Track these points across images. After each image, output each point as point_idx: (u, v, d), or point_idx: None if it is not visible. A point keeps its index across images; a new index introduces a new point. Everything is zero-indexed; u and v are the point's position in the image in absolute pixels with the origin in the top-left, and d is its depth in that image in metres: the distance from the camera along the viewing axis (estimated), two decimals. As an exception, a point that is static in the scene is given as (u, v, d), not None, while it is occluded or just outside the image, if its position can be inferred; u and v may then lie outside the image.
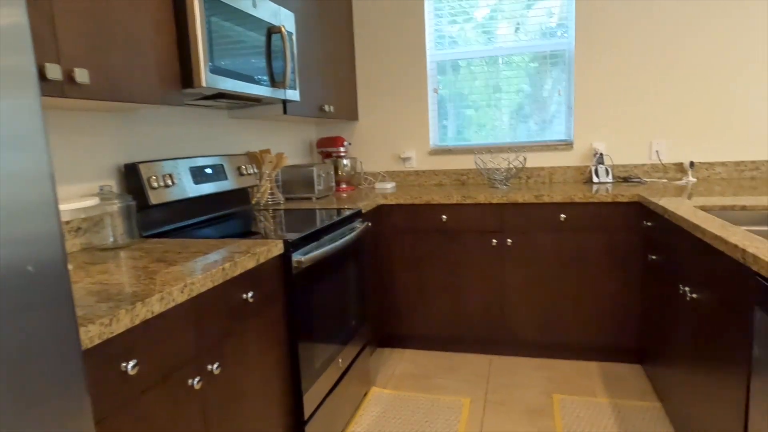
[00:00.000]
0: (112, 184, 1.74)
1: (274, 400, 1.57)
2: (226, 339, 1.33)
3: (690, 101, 2.81)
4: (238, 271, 1.36)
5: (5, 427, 0.67)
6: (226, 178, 2.17)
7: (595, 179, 2.87)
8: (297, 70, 2.26)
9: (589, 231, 2.46)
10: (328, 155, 3.10)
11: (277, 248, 1.56)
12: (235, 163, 2.27)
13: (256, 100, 2.14)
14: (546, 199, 2.46)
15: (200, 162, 2.04)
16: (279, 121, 2.91)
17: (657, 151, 2.88)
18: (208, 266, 1.28)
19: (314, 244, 1.80)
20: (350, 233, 2.04)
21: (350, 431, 2.07)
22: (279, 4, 2.19)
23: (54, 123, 1.52)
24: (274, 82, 2.04)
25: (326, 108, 2.73)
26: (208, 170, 2.07)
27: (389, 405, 2.26)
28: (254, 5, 1.89)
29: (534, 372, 2.51)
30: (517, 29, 3.04)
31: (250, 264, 1.41)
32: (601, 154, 2.90)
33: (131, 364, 0.99)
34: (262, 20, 1.95)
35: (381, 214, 2.70)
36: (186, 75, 1.61)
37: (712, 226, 1.48)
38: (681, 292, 1.74)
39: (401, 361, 2.70)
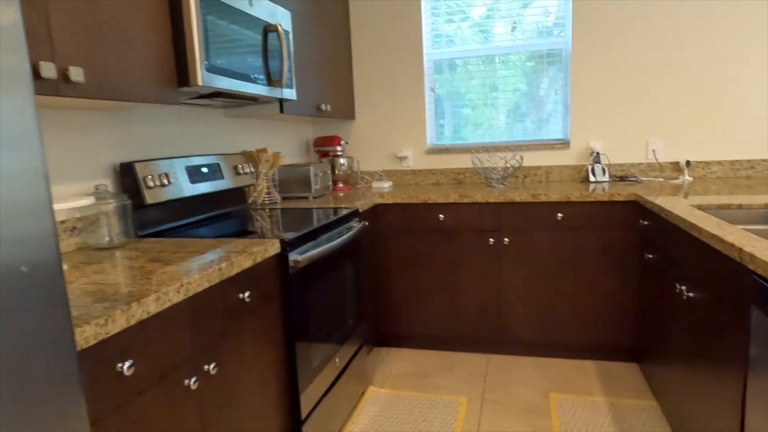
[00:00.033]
0: (108, 183, 1.73)
1: (271, 399, 1.57)
2: (222, 339, 1.33)
3: (686, 100, 2.82)
4: (235, 270, 1.35)
5: (-1, 429, 0.67)
6: (222, 178, 2.16)
7: (591, 178, 2.88)
8: (294, 69, 2.26)
9: (586, 230, 2.46)
10: (325, 154, 3.09)
11: (273, 248, 1.56)
12: (232, 162, 2.26)
13: (253, 99, 2.13)
14: (543, 198, 2.47)
15: (196, 161, 2.03)
16: (276, 120, 2.90)
17: (653, 150, 2.89)
18: (205, 266, 1.28)
19: (311, 243, 1.79)
20: (347, 233, 2.04)
21: (347, 431, 2.07)
22: (275, 3, 2.18)
23: (48, 122, 1.51)
24: (271, 80, 2.03)
25: (323, 107, 2.72)
26: (205, 169, 2.07)
27: (386, 404, 2.26)
28: (250, 4, 1.88)
29: (531, 371, 2.52)
30: (513, 28, 3.04)
31: (246, 263, 1.41)
32: (598, 153, 2.90)
33: (127, 364, 0.98)
34: (259, 19, 1.94)
35: (378, 213, 2.70)
36: (182, 73, 1.60)
37: (709, 224, 1.49)
38: (678, 290, 1.74)
39: (398, 361, 2.70)
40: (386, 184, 3.10)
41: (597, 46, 2.88)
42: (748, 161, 2.78)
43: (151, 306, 1.04)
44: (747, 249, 1.19)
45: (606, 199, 2.41)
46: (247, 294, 1.41)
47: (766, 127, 2.74)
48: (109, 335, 0.94)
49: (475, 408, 2.21)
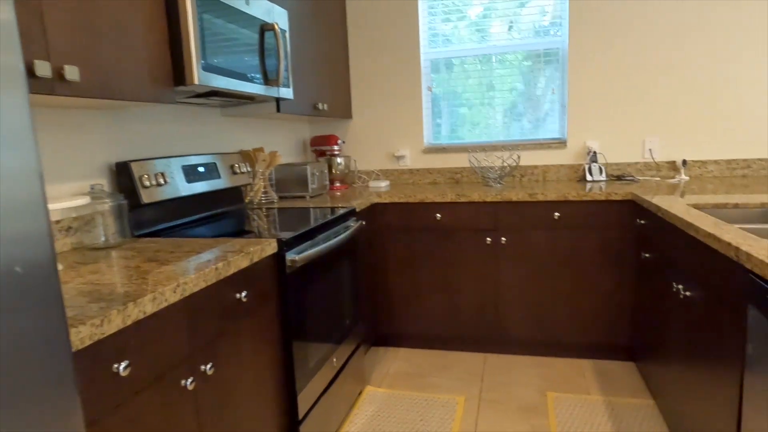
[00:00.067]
0: (104, 182, 1.72)
1: (268, 399, 1.56)
2: (219, 339, 1.32)
3: (682, 100, 2.83)
4: (232, 270, 1.35)
5: (-6, 431, 0.66)
6: (219, 177, 2.15)
7: (588, 177, 2.88)
8: (290, 68, 2.25)
9: (583, 229, 2.46)
10: (321, 153, 3.09)
11: (270, 247, 1.55)
12: (228, 161, 2.26)
13: (249, 98, 2.13)
14: (540, 198, 2.47)
15: (193, 160, 2.03)
16: (272, 120, 2.89)
17: (650, 150, 2.89)
18: (201, 266, 1.27)
19: (308, 243, 1.79)
20: (344, 232, 2.04)
21: (345, 430, 2.07)
22: (272, 1, 2.18)
23: (43, 121, 1.50)
24: (268, 80, 2.03)
25: (320, 106, 2.72)
26: (201, 169, 2.06)
27: (384, 404, 2.26)
28: (247, 2, 1.87)
29: (528, 370, 2.52)
30: (510, 28, 3.04)
31: (243, 263, 1.40)
32: (595, 153, 2.90)
33: (123, 365, 0.97)
34: (255, 17, 1.93)
35: (375, 212, 2.70)
36: (178, 72, 1.59)
37: (706, 223, 1.49)
38: (674, 289, 1.75)
39: (396, 360, 2.70)
40: (383, 184, 3.10)
41: (593, 46, 2.89)
42: (745, 160, 2.79)
43: (148, 306, 1.04)
44: (744, 248, 1.19)
45: (603, 198, 2.41)
46: (243, 294, 1.41)
47: (763, 126, 2.75)
48: (105, 335, 0.93)
49: (473, 407, 2.21)
